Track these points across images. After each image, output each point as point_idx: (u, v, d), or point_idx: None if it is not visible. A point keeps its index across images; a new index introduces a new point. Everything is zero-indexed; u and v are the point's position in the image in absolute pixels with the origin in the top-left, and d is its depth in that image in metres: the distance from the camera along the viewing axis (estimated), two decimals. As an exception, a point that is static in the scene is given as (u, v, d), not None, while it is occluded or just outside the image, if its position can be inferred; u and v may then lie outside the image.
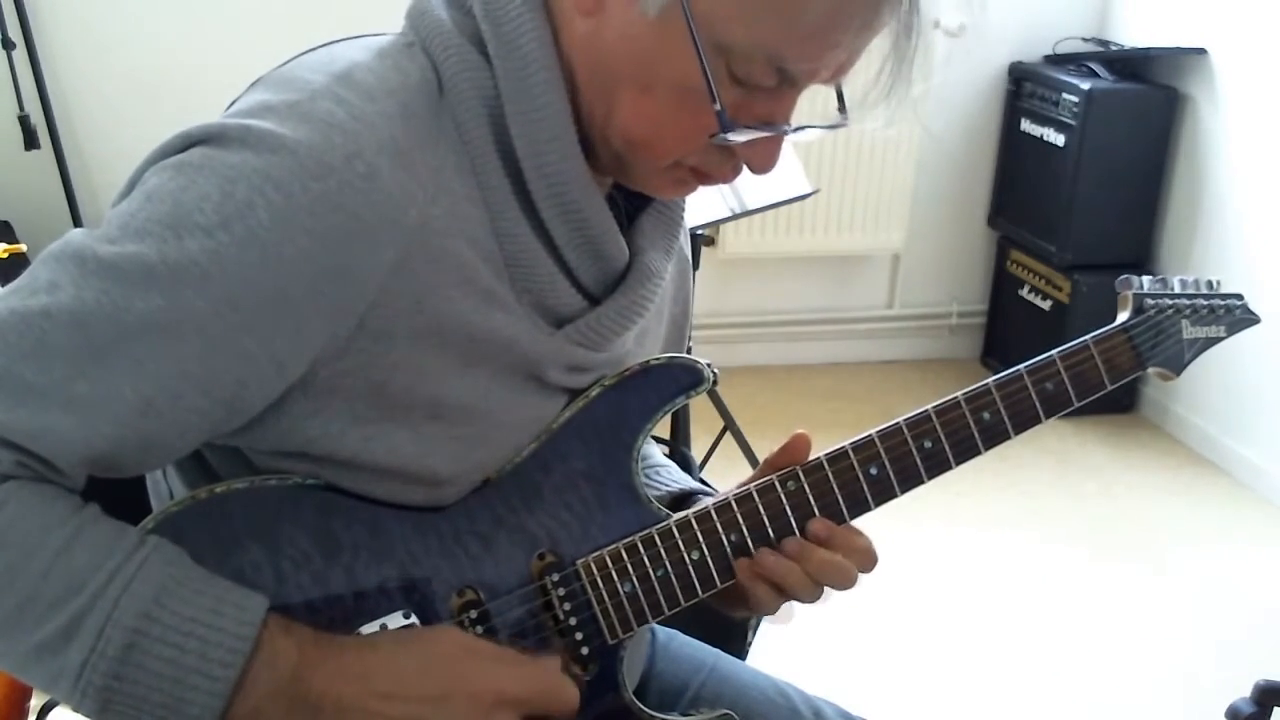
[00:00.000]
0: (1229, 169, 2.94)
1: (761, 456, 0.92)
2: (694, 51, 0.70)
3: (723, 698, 1.03)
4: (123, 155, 1.04)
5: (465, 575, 0.81)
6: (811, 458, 0.87)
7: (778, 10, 0.68)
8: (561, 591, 0.83)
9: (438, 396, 0.77)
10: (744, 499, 0.86)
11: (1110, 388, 0.92)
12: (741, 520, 0.86)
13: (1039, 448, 3.04)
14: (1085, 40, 3.28)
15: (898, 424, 0.88)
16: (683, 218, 0.93)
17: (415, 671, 0.75)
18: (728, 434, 2.57)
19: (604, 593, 0.84)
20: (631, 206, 0.87)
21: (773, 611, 0.87)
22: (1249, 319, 0.99)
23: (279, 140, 0.68)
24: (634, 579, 0.84)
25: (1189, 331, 0.96)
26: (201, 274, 0.67)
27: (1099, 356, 0.92)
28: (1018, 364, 0.90)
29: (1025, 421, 0.90)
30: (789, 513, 0.86)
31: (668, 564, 0.85)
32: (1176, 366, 0.96)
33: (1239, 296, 0.99)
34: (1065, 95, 3.06)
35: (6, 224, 2.72)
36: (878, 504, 0.88)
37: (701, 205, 2.13)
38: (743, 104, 0.73)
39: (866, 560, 0.86)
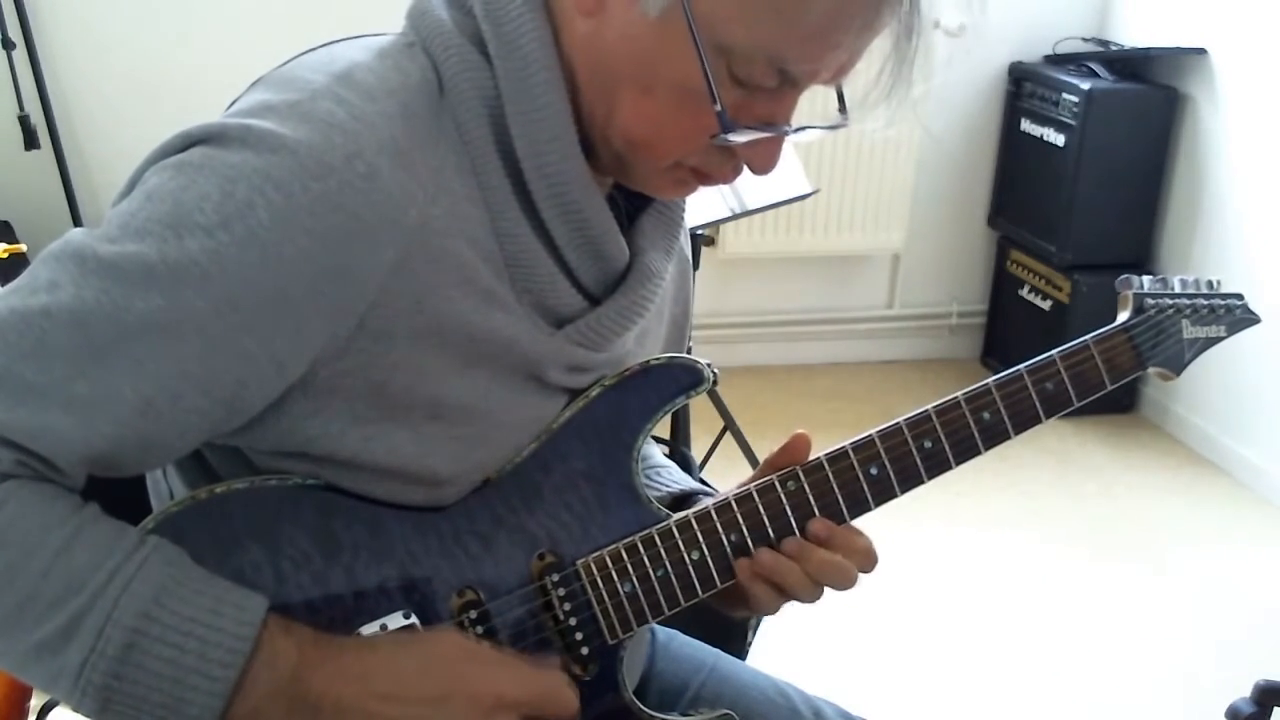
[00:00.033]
0: (1229, 169, 2.94)
1: (761, 456, 0.92)
2: (695, 52, 0.70)
3: (723, 698, 1.03)
4: (123, 155, 1.04)
5: (465, 575, 0.81)
6: (811, 458, 0.87)
7: (779, 11, 0.68)
8: (561, 591, 0.83)
9: (438, 396, 0.77)
10: (744, 499, 0.86)
11: (1110, 387, 0.92)
12: (741, 520, 0.86)
13: (1039, 448, 3.04)
14: (1085, 40, 3.28)
15: (898, 424, 0.88)
16: (683, 218, 0.93)
17: (415, 673, 0.75)
18: (728, 434, 2.57)
19: (604, 593, 0.84)
20: (632, 207, 0.87)
21: (773, 611, 0.87)
22: (1249, 319, 0.99)
23: (279, 140, 0.68)
24: (634, 579, 0.84)
25: (1189, 331, 0.96)
26: (202, 274, 0.67)
27: (1099, 356, 0.92)
28: (1018, 364, 0.90)
29: (1025, 421, 0.90)
30: (789, 513, 0.86)
31: (668, 564, 0.85)
32: (1177, 366, 0.96)
33: (1239, 296, 0.99)
34: (1065, 95, 3.06)
35: (6, 224, 2.72)
36: (878, 504, 0.88)
37: (701, 205, 2.13)
38: (743, 104, 0.73)
39: (866, 560, 0.86)
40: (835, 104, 0.79)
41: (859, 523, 0.88)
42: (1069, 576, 2.54)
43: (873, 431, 0.88)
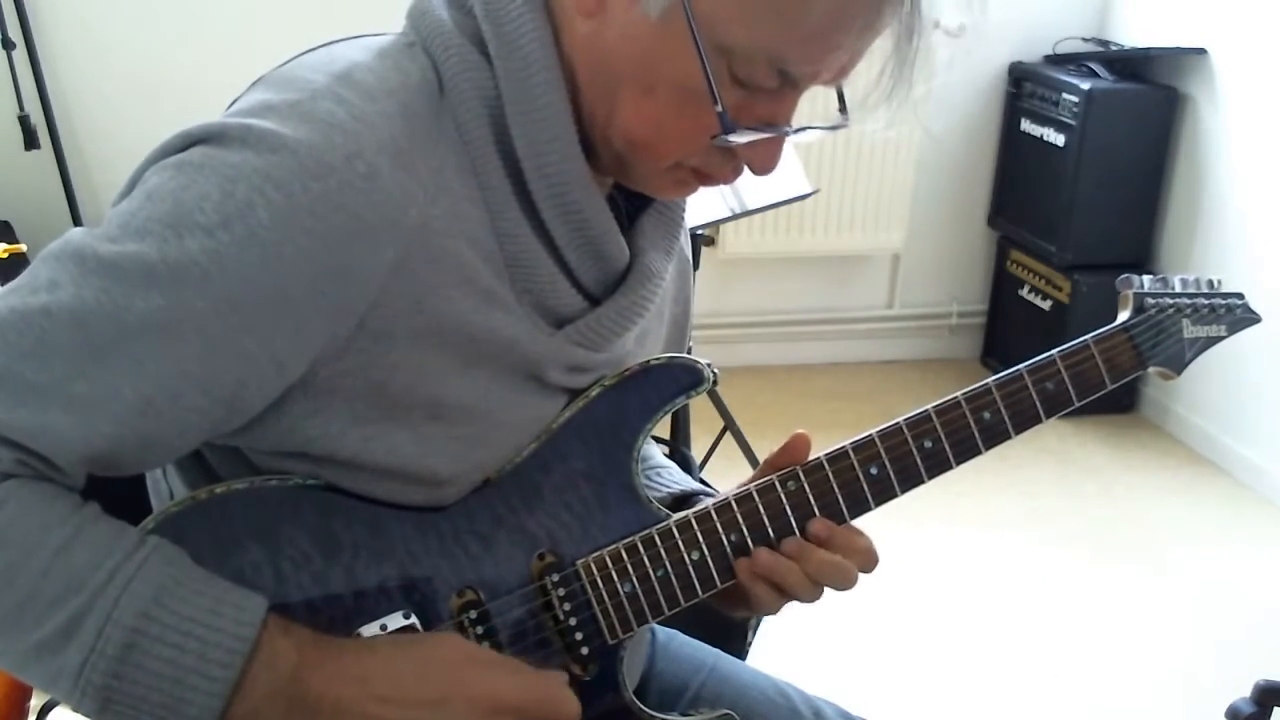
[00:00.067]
0: (1229, 169, 2.94)
1: (761, 456, 0.92)
2: (695, 53, 0.70)
3: (723, 698, 1.03)
4: (123, 155, 1.04)
5: (465, 575, 0.81)
6: (811, 458, 0.87)
7: (779, 12, 0.68)
8: (561, 592, 0.83)
9: (438, 396, 0.77)
10: (744, 499, 0.86)
11: (1111, 387, 0.92)
12: (741, 520, 0.86)
13: (1039, 448, 3.04)
14: (1085, 40, 3.28)
15: (898, 424, 0.88)
16: (683, 218, 0.93)
17: (413, 675, 0.75)
18: (728, 434, 2.57)
19: (604, 593, 0.84)
20: (632, 207, 0.87)
21: (773, 611, 0.87)
22: (1250, 318, 0.99)
23: (280, 140, 0.68)
24: (634, 579, 0.84)
25: (1190, 331, 0.96)
26: (202, 274, 0.67)
27: (1099, 356, 0.92)
28: (1018, 364, 0.90)
29: (1025, 421, 0.90)
30: (789, 513, 0.86)
31: (668, 564, 0.85)
32: (1177, 366, 0.96)
33: (1240, 296, 0.99)
34: (1065, 95, 3.06)
35: (6, 224, 2.72)
36: (878, 504, 0.88)
37: (701, 205, 2.13)
38: (744, 105, 0.73)
39: (867, 560, 0.86)
40: (836, 104, 0.79)
41: (859, 522, 0.88)
42: (1069, 577, 2.54)
43: (873, 431, 0.88)
